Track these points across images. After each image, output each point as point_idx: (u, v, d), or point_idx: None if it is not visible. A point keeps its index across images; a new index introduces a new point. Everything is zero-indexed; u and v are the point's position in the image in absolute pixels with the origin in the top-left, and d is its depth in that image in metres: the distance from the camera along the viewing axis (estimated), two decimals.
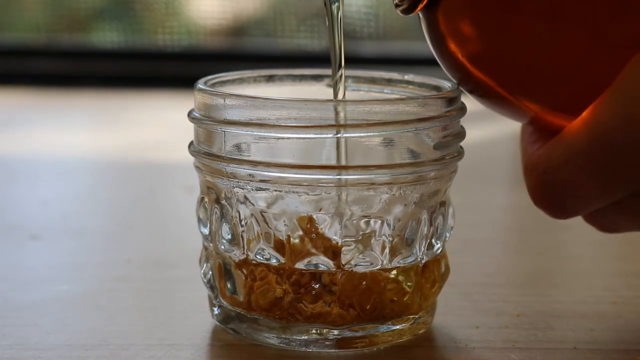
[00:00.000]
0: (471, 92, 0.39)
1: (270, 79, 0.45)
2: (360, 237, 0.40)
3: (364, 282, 0.39)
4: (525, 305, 0.45)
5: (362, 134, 0.39)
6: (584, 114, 0.35)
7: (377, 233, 0.40)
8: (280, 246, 0.40)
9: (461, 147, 0.42)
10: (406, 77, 0.44)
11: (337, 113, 0.39)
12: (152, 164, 0.76)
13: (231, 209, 0.40)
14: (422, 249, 0.41)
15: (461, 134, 0.41)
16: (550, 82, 0.36)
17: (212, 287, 0.42)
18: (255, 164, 0.39)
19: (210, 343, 0.41)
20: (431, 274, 0.41)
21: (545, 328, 0.43)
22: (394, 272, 0.40)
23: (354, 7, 1.17)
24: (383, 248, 0.40)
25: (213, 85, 0.42)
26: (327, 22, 0.41)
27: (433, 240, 0.41)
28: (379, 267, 0.40)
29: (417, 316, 0.41)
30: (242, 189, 0.40)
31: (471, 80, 0.38)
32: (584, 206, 0.37)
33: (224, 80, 0.43)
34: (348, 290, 0.39)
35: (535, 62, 0.36)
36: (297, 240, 0.40)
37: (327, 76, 0.45)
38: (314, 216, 0.39)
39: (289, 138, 0.39)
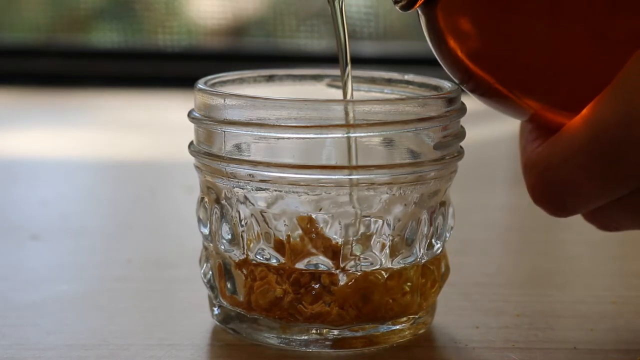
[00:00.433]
0: (470, 89, 0.39)
1: (270, 79, 0.45)
2: (360, 237, 0.40)
3: (364, 282, 0.39)
4: (525, 305, 0.45)
5: (362, 134, 0.39)
6: (584, 111, 0.35)
7: (377, 233, 0.40)
8: (280, 246, 0.40)
9: (461, 147, 0.42)
10: (406, 77, 0.44)
11: (346, 114, 0.39)
12: (152, 164, 0.76)
13: (231, 209, 0.40)
14: (422, 249, 0.41)
15: (461, 134, 0.41)
16: (550, 80, 0.36)
17: (212, 287, 0.42)
18: (255, 164, 0.39)
19: (210, 343, 0.41)
20: (431, 274, 0.41)
21: (545, 328, 0.43)
22: (394, 272, 0.40)
23: (354, 7, 1.17)
24: (383, 248, 0.40)
25: (213, 85, 0.42)
26: (332, 20, 0.41)
27: (433, 240, 0.41)
28: (378, 267, 0.40)
29: (417, 316, 0.41)
30: (242, 189, 0.40)
31: (470, 77, 0.38)
32: (584, 204, 0.37)
33: (224, 80, 0.43)
34: (348, 291, 0.39)
35: (535, 59, 0.35)
36: (297, 240, 0.40)
37: (327, 76, 0.45)
38: (314, 216, 0.39)
39: (289, 138, 0.39)
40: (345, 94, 0.41)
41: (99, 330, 0.42)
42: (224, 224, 0.41)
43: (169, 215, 0.62)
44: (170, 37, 1.18)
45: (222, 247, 0.41)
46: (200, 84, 0.41)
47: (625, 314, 0.44)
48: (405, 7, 0.38)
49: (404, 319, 0.41)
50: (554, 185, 0.36)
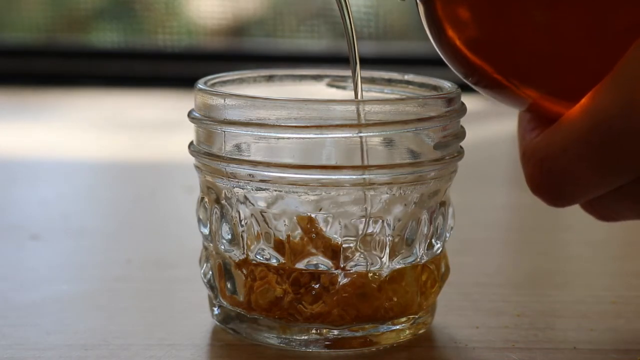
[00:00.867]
0: (469, 79, 0.38)
1: (270, 79, 0.45)
2: (360, 237, 0.40)
3: (364, 282, 0.39)
4: (525, 305, 0.45)
5: (362, 134, 0.39)
6: (583, 100, 0.35)
7: (377, 233, 0.40)
8: (280, 246, 0.40)
9: (461, 147, 0.42)
10: (406, 77, 0.44)
11: (358, 114, 0.39)
12: (152, 164, 0.76)
13: (231, 209, 0.40)
14: (422, 249, 0.41)
15: (461, 134, 0.41)
16: (549, 68, 0.36)
17: (212, 287, 0.42)
18: (255, 164, 0.39)
19: (210, 343, 0.41)
20: (431, 274, 0.41)
21: (545, 328, 0.43)
22: (394, 272, 0.40)
23: (354, 7, 1.16)
24: (383, 248, 0.40)
25: (213, 85, 0.42)
26: (342, 19, 0.41)
27: (433, 240, 0.41)
28: (379, 267, 0.40)
29: (417, 316, 0.41)
30: (242, 189, 0.40)
31: (469, 67, 0.37)
32: (582, 194, 0.36)
33: (224, 80, 0.43)
34: (348, 291, 0.39)
35: (534, 47, 0.35)
36: (297, 240, 0.40)
37: (327, 76, 0.45)
38: (314, 216, 0.39)
39: (289, 138, 0.39)
40: (356, 95, 0.41)
41: (99, 330, 0.42)
42: (224, 224, 0.41)
43: (169, 215, 0.62)
44: (170, 37, 1.18)
45: (222, 247, 0.41)
46: (200, 84, 0.41)
47: (625, 314, 0.44)
48: None
49: (404, 319, 0.41)
50: (553, 174, 0.36)
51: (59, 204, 0.63)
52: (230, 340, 0.41)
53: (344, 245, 0.39)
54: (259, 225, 0.40)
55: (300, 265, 0.40)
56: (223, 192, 0.40)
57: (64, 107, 1.01)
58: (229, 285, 0.41)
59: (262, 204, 0.40)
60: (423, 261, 0.41)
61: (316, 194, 0.39)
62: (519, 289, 0.49)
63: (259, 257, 0.40)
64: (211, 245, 0.41)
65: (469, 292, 0.47)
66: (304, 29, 1.18)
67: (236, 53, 1.17)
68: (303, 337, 0.40)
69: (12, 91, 1.07)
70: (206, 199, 0.42)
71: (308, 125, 0.38)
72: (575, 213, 0.62)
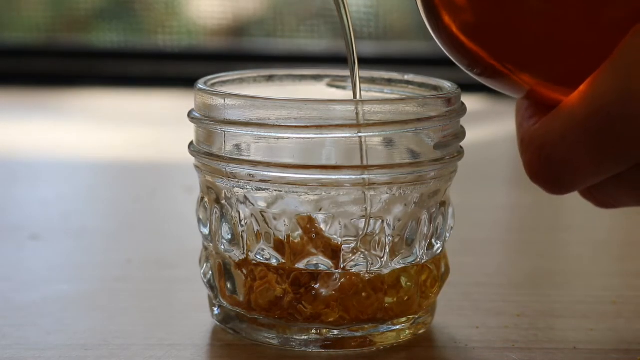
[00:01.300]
0: (467, 66, 0.38)
1: (270, 79, 0.45)
2: (360, 237, 0.40)
3: (364, 282, 0.39)
4: (525, 305, 0.45)
5: (362, 134, 0.39)
6: (582, 87, 0.35)
7: (377, 233, 0.40)
8: (280, 246, 0.40)
9: (461, 147, 0.42)
10: (406, 77, 0.44)
11: (357, 114, 0.39)
12: (152, 164, 0.76)
13: (231, 209, 0.40)
14: (422, 249, 0.41)
15: (461, 134, 0.41)
16: (545, 54, 0.35)
17: (212, 287, 0.42)
18: (255, 164, 0.39)
19: (210, 343, 0.41)
20: (431, 274, 0.41)
21: (545, 328, 0.43)
22: (394, 272, 0.40)
23: (354, 7, 1.17)
24: (383, 248, 0.40)
25: (213, 85, 0.42)
26: (339, 19, 0.41)
27: (433, 240, 0.41)
28: (379, 267, 0.40)
29: (417, 316, 0.41)
30: (242, 189, 0.40)
31: (466, 53, 0.37)
32: (581, 181, 0.36)
33: (224, 80, 0.43)
34: (348, 290, 0.39)
35: (532, 33, 0.35)
36: (297, 240, 0.40)
37: (327, 76, 0.45)
38: (314, 216, 0.39)
39: (289, 138, 0.39)
40: (355, 95, 0.41)
41: (99, 330, 0.42)
42: (224, 224, 0.41)
43: (169, 215, 0.62)
44: (170, 37, 1.18)
45: (222, 247, 0.41)
46: (200, 84, 0.41)
47: (625, 314, 0.44)
48: None
49: (404, 319, 0.41)
50: (552, 162, 0.36)
51: (59, 204, 0.63)
52: (230, 340, 0.41)
53: (344, 245, 0.39)
54: (259, 225, 0.40)
55: (300, 265, 0.40)
56: (223, 192, 0.40)
57: (64, 107, 1.01)
58: (229, 285, 0.41)
59: (262, 204, 0.40)
60: (423, 261, 0.41)
61: (316, 194, 0.39)
62: (519, 289, 0.49)
63: (259, 257, 0.40)
64: (211, 245, 0.42)
65: (469, 292, 0.47)
66: (304, 29, 1.18)
67: (236, 53, 1.17)
68: (303, 337, 0.40)
69: (12, 91, 1.07)
70: (206, 199, 0.42)
71: (308, 125, 0.38)
72: (575, 213, 0.62)
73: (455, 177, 0.42)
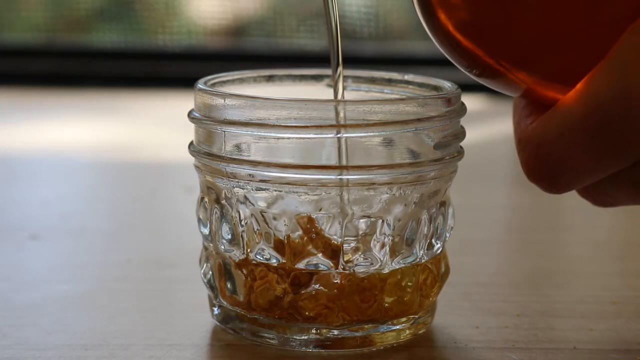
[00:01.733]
0: (463, 65, 0.38)
1: (270, 79, 0.45)
2: (360, 237, 0.40)
3: (364, 282, 0.39)
4: (525, 305, 0.45)
5: (362, 134, 0.39)
6: (579, 85, 0.34)
7: (377, 233, 0.40)
8: (280, 246, 0.40)
9: (461, 147, 0.42)
10: (406, 77, 0.44)
11: (337, 113, 0.39)
12: (152, 164, 0.76)
13: (231, 209, 0.40)
14: (422, 249, 0.41)
15: (461, 134, 0.41)
16: (543, 52, 0.35)
17: (212, 287, 0.42)
18: (255, 164, 0.39)
19: (210, 343, 0.41)
20: (431, 274, 0.41)
21: (545, 328, 0.43)
22: (394, 272, 0.40)
23: (354, 7, 1.17)
24: (383, 248, 0.40)
25: (213, 85, 0.42)
26: (325, 18, 0.41)
27: (433, 240, 0.41)
28: (378, 267, 0.40)
29: (417, 316, 0.41)
30: (242, 189, 0.40)
31: (463, 52, 0.37)
32: (579, 180, 0.36)
33: (224, 80, 0.43)
34: (348, 291, 0.39)
35: (528, 31, 0.35)
36: (297, 240, 0.40)
37: (327, 76, 0.45)
38: (314, 216, 0.39)
39: (289, 138, 0.39)
40: (336, 94, 0.41)
41: (99, 330, 0.42)
42: (224, 224, 0.41)
43: (169, 215, 0.62)
44: (170, 37, 1.18)
45: (222, 247, 0.41)
46: (200, 84, 0.41)
47: (625, 314, 0.44)
48: None
49: (404, 319, 0.41)
50: (549, 161, 0.36)
51: (59, 204, 0.63)
52: (230, 340, 0.41)
53: (344, 245, 0.39)
54: (259, 225, 0.40)
55: (300, 265, 0.40)
56: (223, 192, 0.40)
57: (64, 107, 1.01)
58: (229, 285, 0.41)
59: (262, 204, 0.40)
60: (423, 261, 0.41)
61: (316, 194, 0.39)
62: (519, 289, 0.49)
63: (259, 257, 0.40)
64: (211, 245, 0.42)
65: (469, 292, 0.47)
66: (304, 29, 1.18)
67: (236, 53, 1.17)
68: (303, 337, 0.40)
69: (12, 91, 1.07)
70: (206, 199, 0.42)
71: (308, 125, 0.38)
72: (575, 213, 0.62)
73: (455, 177, 0.42)
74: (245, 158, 0.39)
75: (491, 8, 0.35)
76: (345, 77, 0.45)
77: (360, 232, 0.40)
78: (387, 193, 0.39)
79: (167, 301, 0.46)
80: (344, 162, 0.39)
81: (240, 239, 0.40)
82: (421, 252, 0.41)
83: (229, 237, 0.41)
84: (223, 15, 1.19)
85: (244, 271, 0.40)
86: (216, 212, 0.41)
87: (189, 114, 0.41)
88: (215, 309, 0.42)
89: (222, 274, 0.41)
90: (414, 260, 0.40)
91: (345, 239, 0.39)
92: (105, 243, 0.56)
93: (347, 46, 1.15)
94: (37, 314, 0.44)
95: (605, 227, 0.60)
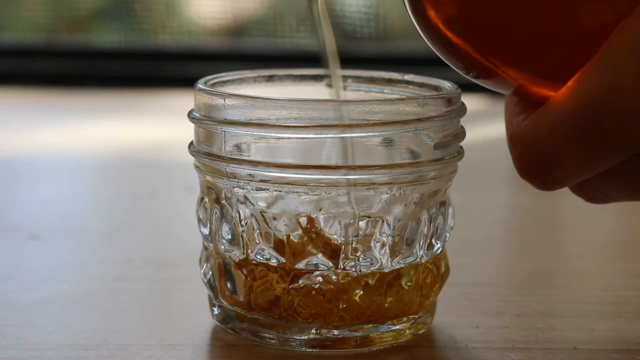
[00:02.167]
0: (454, 63, 0.38)
1: (270, 79, 0.45)
2: (360, 237, 0.40)
3: (364, 282, 0.39)
4: (525, 305, 0.45)
5: (362, 134, 0.39)
6: (570, 83, 0.35)
7: (377, 233, 0.40)
8: (280, 246, 0.40)
9: (461, 147, 0.42)
10: (406, 77, 0.44)
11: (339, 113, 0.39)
12: (152, 164, 0.76)
13: (231, 209, 0.40)
14: (422, 249, 0.41)
15: (461, 134, 0.41)
16: (532, 49, 0.35)
17: (212, 287, 0.42)
18: (255, 164, 0.39)
19: (210, 343, 0.41)
20: (431, 273, 0.41)
21: (545, 328, 0.43)
22: (394, 272, 0.40)
23: (354, 7, 1.17)
24: (383, 248, 0.40)
25: (213, 85, 0.42)
26: (312, 22, 0.41)
27: (433, 240, 0.41)
28: (378, 267, 0.40)
29: (417, 316, 0.41)
30: (242, 189, 0.40)
31: (453, 49, 0.37)
32: (570, 177, 0.36)
33: (224, 80, 0.43)
34: (347, 290, 0.39)
35: (518, 28, 0.35)
36: (297, 240, 0.40)
37: (327, 76, 0.45)
38: (314, 216, 0.39)
39: (289, 138, 0.39)
40: (337, 94, 0.41)
41: (99, 330, 0.42)
42: (224, 224, 0.41)
43: (169, 215, 0.62)
44: (170, 37, 1.18)
45: (222, 247, 0.41)
46: (200, 84, 0.41)
47: (626, 314, 0.44)
48: None
49: (404, 319, 0.41)
50: (541, 158, 0.36)
51: (59, 204, 0.63)
52: (230, 340, 0.41)
53: (344, 245, 0.39)
54: (259, 225, 0.40)
55: (300, 265, 0.40)
56: (223, 192, 0.40)
57: (64, 107, 1.01)
58: (229, 285, 0.41)
59: (262, 204, 0.40)
60: (423, 261, 0.41)
61: (316, 194, 0.39)
62: (519, 289, 0.49)
63: (259, 257, 0.40)
64: (211, 245, 0.41)
65: (469, 292, 0.47)
66: (304, 29, 1.18)
67: (236, 53, 1.17)
68: (303, 337, 0.40)
69: (12, 91, 1.07)
70: (206, 199, 0.42)
71: (308, 125, 0.38)
72: (575, 213, 0.62)
73: (455, 177, 0.42)
74: (245, 158, 0.39)
75: (480, 5, 0.35)
76: (346, 77, 0.45)
77: (360, 232, 0.40)
78: (387, 193, 0.39)
79: (167, 301, 0.46)
80: (349, 162, 0.39)
81: (240, 239, 0.40)
82: (421, 252, 0.41)
83: (229, 237, 0.41)
84: (223, 15, 1.19)
85: (244, 271, 0.40)
86: (216, 212, 0.41)
87: (189, 114, 0.41)
88: (215, 309, 0.42)
89: (222, 274, 0.41)
90: (414, 260, 0.40)
91: (345, 239, 0.39)
92: (105, 243, 0.56)
93: (347, 46, 1.16)
94: (37, 314, 0.44)
95: (605, 227, 0.60)
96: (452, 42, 0.36)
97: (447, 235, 0.42)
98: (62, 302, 0.45)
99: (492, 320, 0.43)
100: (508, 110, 0.38)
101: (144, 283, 0.48)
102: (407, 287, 0.40)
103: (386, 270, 0.40)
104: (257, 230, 0.40)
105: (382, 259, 0.40)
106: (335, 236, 0.40)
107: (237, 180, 0.40)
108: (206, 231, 0.42)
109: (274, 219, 0.40)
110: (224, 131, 0.40)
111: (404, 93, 0.44)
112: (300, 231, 0.40)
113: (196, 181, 0.42)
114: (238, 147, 0.39)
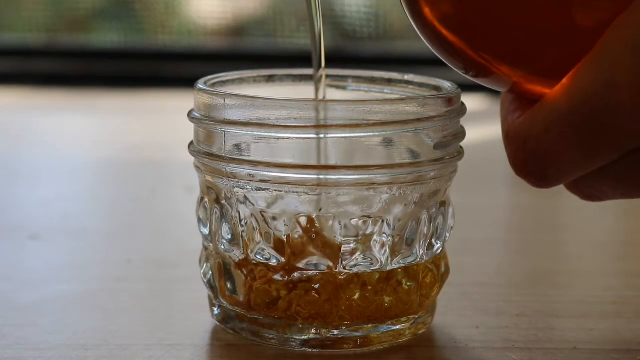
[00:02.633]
0: (451, 61, 0.38)
1: (270, 79, 0.45)
2: (360, 237, 0.40)
3: (364, 282, 0.39)
4: (525, 305, 0.45)
5: (362, 134, 0.39)
6: (565, 80, 0.34)
7: (377, 233, 0.40)
8: (280, 246, 0.40)
9: (461, 147, 0.42)
10: (406, 77, 0.44)
11: (317, 112, 0.39)
12: (152, 164, 0.76)
13: (231, 209, 0.40)
14: (422, 249, 0.41)
15: (461, 134, 0.41)
16: (527, 46, 0.35)
17: (212, 287, 0.42)
18: (255, 164, 0.39)
19: (210, 343, 0.41)
20: (431, 274, 0.41)
21: (545, 328, 0.43)
22: (394, 272, 0.40)
23: (354, 7, 1.17)
24: (383, 248, 0.40)
25: (213, 85, 0.42)
26: (308, 18, 0.41)
27: (433, 240, 0.41)
28: (378, 267, 0.40)
29: (417, 316, 0.41)
30: (242, 189, 0.40)
31: (449, 47, 0.37)
32: (566, 174, 0.36)
33: (224, 80, 0.43)
34: (347, 290, 0.39)
35: (513, 24, 0.35)
36: (297, 240, 0.40)
37: (327, 76, 0.45)
38: (314, 216, 0.39)
39: (289, 138, 0.39)
40: (317, 94, 0.41)
41: (99, 330, 0.42)
42: (224, 224, 0.41)
43: (169, 215, 0.62)
44: (170, 37, 1.18)
45: (222, 247, 0.41)
46: (200, 84, 0.41)
47: (626, 314, 0.44)
48: None
49: (404, 319, 0.41)
50: (536, 155, 0.36)
51: (59, 204, 0.63)
52: (230, 340, 0.41)
53: (343, 246, 0.39)
54: (259, 225, 0.40)
55: (300, 265, 0.40)
56: (223, 192, 0.40)
57: (64, 107, 1.01)
58: (229, 285, 0.41)
59: (262, 204, 0.40)
60: (423, 261, 0.41)
61: (316, 194, 0.39)
62: (519, 289, 0.49)
63: (259, 257, 0.40)
64: (211, 245, 0.42)
65: (469, 292, 0.47)
66: (304, 29, 1.18)
67: (236, 53, 1.17)
68: (303, 337, 0.40)
69: (12, 91, 1.07)
70: (206, 199, 0.42)
71: (308, 125, 0.38)
72: (575, 213, 0.62)
73: (455, 177, 0.42)
74: (245, 158, 0.39)
75: (475, 2, 0.35)
76: (345, 77, 0.45)
77: (360, 232, 0.40)
78: (387, 193, 0.39)
79: (167, 301, 0.46)
80: (322, 162, 0.39)
81: (240, 239, 0.40)
82: (421, 252, 0.41)
83: (229, 237, 0.41)
84: (223, 15, 1.19)
85: (244, 271, 0.40)
86: (216, 212, 0.41)
87: (189, 114, 0.41)
88: (215, 309, 0.42)
89: (222, 274, 0.41)
90: (414, 260, 0.40)
91: (345, 239, 0.39)
92: (105, 243, 0.56)
93: (347, 46, 1.16)
94: (37, 314, 0.44)
95: (605, 227, 0.60)
96: (448, 39, 0.36)
97: (447, 235, 0.42)
98: (62, 302, 0.45)
99: (492, 320, 0.43)
100: (504, 108, 0.38)
101: (144, 283, 0.48)
102: (407, 287, 0.40)
103: (386, 271, 0.40)
104: (257, 230, 0.40)
105: (382, 259, 0.40)
106: (335, 236, 0.39)
107: (237, 180, 0.40)
108: (206, 231, 0.42)
109: (274, 219, 0.40)
110: (224, 131, 0.40)
111: (404, 93, 0.44)
112: (300, 231, 0.40)
113: (196, 181, 0.42)
114: (238, 147, 0.39)
